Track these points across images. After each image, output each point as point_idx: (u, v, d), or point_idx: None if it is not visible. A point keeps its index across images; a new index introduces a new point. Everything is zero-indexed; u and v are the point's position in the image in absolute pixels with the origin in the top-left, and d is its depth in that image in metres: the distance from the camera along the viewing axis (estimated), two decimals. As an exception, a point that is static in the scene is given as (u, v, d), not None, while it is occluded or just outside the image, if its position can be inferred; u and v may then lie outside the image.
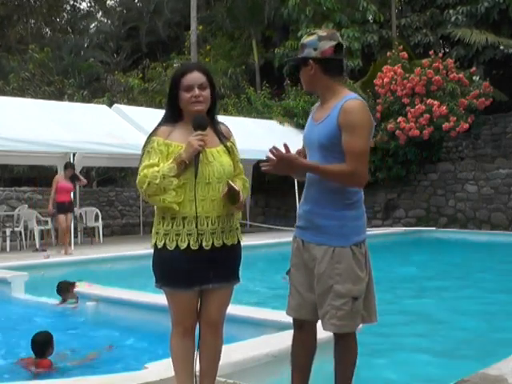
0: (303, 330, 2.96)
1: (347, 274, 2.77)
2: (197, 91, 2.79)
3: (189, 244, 2.75)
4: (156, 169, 2.73)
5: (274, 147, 2.71)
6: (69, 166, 11.58)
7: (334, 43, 2.84)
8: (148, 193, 2.74)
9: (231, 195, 2.77)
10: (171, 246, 2.77)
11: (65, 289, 6.68)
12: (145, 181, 2.73)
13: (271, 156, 2.69)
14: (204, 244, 2.77)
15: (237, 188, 2.76)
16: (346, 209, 2.81)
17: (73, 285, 6.69)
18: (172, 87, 2.86)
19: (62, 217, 11.27)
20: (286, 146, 2.74)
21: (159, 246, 2.80)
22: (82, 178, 12.27)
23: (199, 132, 2.76)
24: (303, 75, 2.89)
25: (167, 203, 2.73)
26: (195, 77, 2.81)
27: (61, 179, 11.42)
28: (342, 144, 2.74)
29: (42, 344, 4.61)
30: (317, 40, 2.83)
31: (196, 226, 2.75)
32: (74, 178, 11.64)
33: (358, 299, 2.79)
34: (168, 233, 2.78)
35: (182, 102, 2.83)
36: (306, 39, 2.86)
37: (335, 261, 2.77)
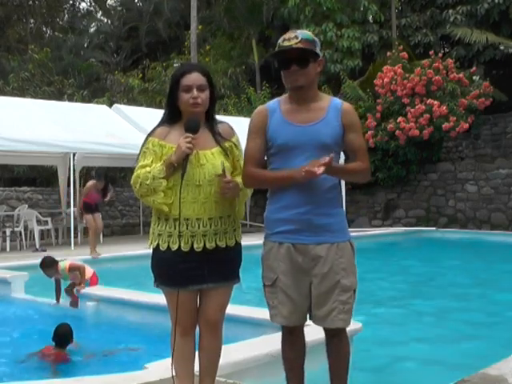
0: (293, 334, 2.96)
1: (350, 268, 2.82)
2: (195, 92, 2.77)
3: (180, 245, 2.77)
4: (148, 169, 2.76)
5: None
6: (102, 178, 11.28)
7: None
8: (140, 193, 2.79)
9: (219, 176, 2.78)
10: (163, 247, 2.80)
11: (49, 264, 6.68)
12: (137, 181, 2.77)
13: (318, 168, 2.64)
14: (195, 246, 2.78)
15: (225, 170, 2.75)
16: (339, 206, 2.92)
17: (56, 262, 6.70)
18: (171, 87, 2.85)
19: (89, 216, 10.95)
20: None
21: (153, 247, 2.85)
22: (110, 193, 11.88)
23: (188, 135, 2.75)
24: (313, 69, 2.82)
25: (157, 204, 2.76)
26: (194, 78, 2.79)
27: (93, 189, 10.94)
28: (342, 144, 2.85)
29: (63, 335, 4.80)
30: (319, 43, 2.90)
31: (176, 228, 2.76)
32: (105, 190, 11.31)
33: (355, 291, 2.85)
34: (161, 233, 2.81)
35: (180, 103, 2.82)
36: (314, 37, 2.85)
37: (339, 256, 2.80)
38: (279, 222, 2.86)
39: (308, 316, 2.90)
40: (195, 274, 2.79)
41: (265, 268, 2.94)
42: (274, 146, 2.86)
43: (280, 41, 2.82)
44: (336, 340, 2.88)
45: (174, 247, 2.77)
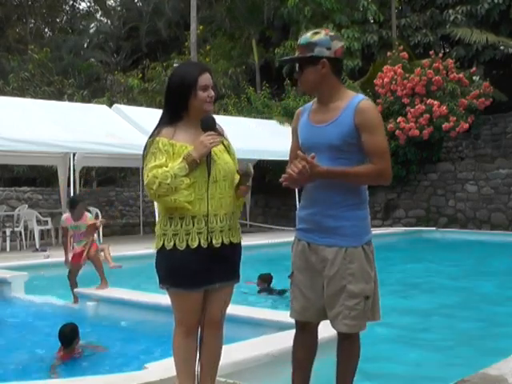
0: (305, 331, 2.96)
1: (360, 274, 2.77)
2: (212, 92, 2.85)
3: (199, 243, 2.76)
4: (165, 169, 2.71)
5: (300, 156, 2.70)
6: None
7: (342, 43, 2.87)
8: (158, 193, 2.71)
9: (246, 175, 2.86)
10: (182, 246, 2.76)
11: (82, 200, 7.14)
12: (155, 181, 2.70)
13: (294, 171, 2.66)
14: (214, 242, 2.79)
15: (252, 171, 2.87)
16: (355, 209, 2.82)
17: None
18: (185, 85, 2.80)
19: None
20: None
21: (168, 247, 2.78)
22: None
23: (211, 132, 2.81)
24: (310, 74, 2.81)
25: (179, 203, 2.72)
26: (209, 77, 2.86)
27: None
28: (358, 144, 2.75)
29: (63, 336, 4.82)
30: (329, 39, 2.79)
31: (205, 225, 2.77)
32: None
33: (369, 298, 2.80)
34: (177, 233, 2.77)
35: (197, 101, 2.82)
36: (314, 38, 2.79)
37: (347, 261, 2.76)
38: (299, 220, 2.95)
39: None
40: (209, 273, 2.80)
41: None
42: (301, 146, 2.95)
43: None
44: (347, 343, 2.88)
45: (194, 244, 2.76)
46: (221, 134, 2.95)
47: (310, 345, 2.98)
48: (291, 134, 3.06)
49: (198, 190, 2.77)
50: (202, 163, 2.76)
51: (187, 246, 2.76)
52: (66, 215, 7.11)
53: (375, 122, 2.76)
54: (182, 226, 2.77)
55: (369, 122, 2.73)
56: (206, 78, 2.83)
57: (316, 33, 2.82)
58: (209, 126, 2.84)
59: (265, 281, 7.60)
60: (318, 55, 2.77)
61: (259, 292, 7.58)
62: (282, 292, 7.28)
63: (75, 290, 6.73)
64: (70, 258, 6.86)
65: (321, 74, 2.79)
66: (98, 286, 6.69)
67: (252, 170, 2.88)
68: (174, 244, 2.77)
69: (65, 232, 7.21)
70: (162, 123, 2.87)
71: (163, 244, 2.80)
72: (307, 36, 2.82)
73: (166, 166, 2.72)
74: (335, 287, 2.77)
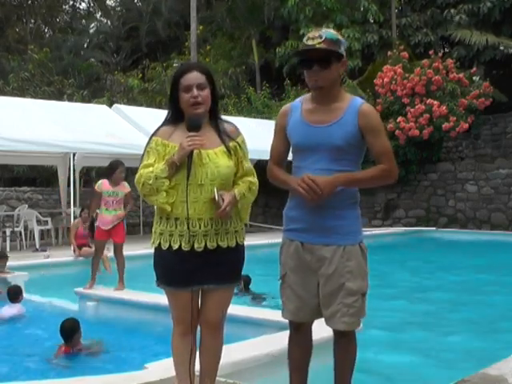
0: (300, 332, 2.96)
1: (358, 271, 2.79)
2: (195, 92, 2.76)
3: (181, 245, 2.76)
4: (150, 169, 2.75)
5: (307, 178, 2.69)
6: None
7: None
8: (143, 193, 2.78)
9: (216, 202, 2.75)
10: (165, 246, 2.80)
11: (122, 166, 7.02)
12: (140, 181, 2.76)
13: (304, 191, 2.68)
14: (196, 246, 2.76)
15: (217, 199, 2.72)
16: (351, 208, 2.84)
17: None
18: (172, 88, 2.84)
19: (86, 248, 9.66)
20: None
21: (155, 245, 2.84)
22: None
23: (191, 133, 2.75)
24: (335, 71, 2.78)
25: (159, 204, 2.76)
26: (194, 77, 2.78)
27: (80, 226, 9.89)
28: (357, 146, 2.78)
29: (64, 331, 4.84)
30: (345, 42, 2.85)
31: (188, 228, 2.74)
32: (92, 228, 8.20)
33: (365, 295, 2.82)
34: (163, 232, 2.81)
35: (181, 103, 2.81)
36: (339, 36, 2.80)
37: (345, 259, 2.77)
38: (290, 220, 2.93)
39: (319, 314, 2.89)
40: (196, 275, 2.78)
41: (280, 263, 2.98)
42: (292, 145, 2.92)
43: (304, 39, 2.80)
44: (344, 341, 2.88)
45: (175, 246, 2.76)
46: (227, 134, 2.87)
47: (305, 345, 2.99)
48: (275, 132, 2.98)
49: (180, 193, 2.75)
50: (184, 166, 2.74)
51: (169, 246, 2.78)
52: (104, 180, 6.92)
53: (379, 124, 2.83)
54: (167, 226, 2.80)
55: (374, 126, 2.78)
56: (188, 78, 2.77)
57: (335, 32, 2.84)
58: (191, 126, 2.77)
59: (243, 282, 7.53)
60: (343, 54, 2.81)
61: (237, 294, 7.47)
62: (258, 297, 7.28)
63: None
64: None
65: (339, 72, 2.82)
66: (116, 288, 6.71)
67: (221, 203, 2.71)
68: (160, 243, 2.82)
69: (97, 196, 6.94)
70: (165, 122, 2.89)
71: (153, 241, 2.86)
72: (333, 32, 2.81)
73: (153, 166, 2.75)
74: (333, 285, 2.78)
